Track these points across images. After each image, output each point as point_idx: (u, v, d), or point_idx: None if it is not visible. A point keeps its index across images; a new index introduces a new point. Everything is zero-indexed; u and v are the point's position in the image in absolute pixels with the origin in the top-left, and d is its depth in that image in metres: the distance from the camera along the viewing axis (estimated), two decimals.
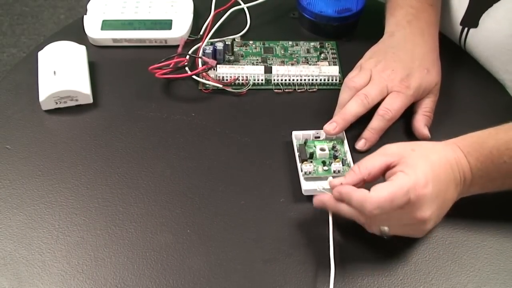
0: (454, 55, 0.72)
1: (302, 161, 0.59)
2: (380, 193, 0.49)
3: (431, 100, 0.64)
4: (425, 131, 0.63)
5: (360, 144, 0.62)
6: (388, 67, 0.64)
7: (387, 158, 0.52)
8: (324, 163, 0.59)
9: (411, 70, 0.63)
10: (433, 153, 0.52)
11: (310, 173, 0.58)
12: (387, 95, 0.63)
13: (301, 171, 0.58)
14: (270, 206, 0.58)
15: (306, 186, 0.58)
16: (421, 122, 0.63)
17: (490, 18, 0.67)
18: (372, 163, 0.52)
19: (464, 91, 0.70)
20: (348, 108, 0.62)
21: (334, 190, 0.53)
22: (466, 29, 0.71)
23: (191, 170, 0.60)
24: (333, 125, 0.61)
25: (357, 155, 0.61)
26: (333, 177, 0.56)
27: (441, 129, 0.64)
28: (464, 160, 0.53)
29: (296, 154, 0.60)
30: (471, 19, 0.69)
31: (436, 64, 0.66)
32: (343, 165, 0.59)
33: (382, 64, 0.64)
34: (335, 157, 0.60)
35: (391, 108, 0.62)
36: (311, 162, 0.59)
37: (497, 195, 0.55)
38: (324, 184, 0.56)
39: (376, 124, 0.62)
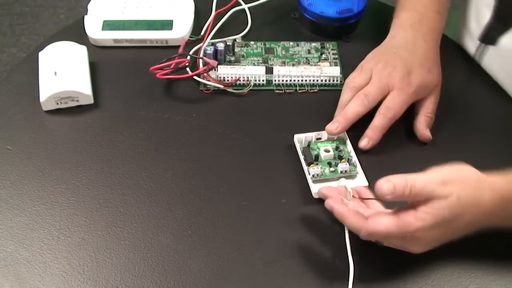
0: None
1: (308, 164, 0.59)
2: (377, 226, 0.49)
3: (433, 101, 0.64)
4: (426, 133, 0.63)
5: (363, 143, 0.62)
6: (389, 65, 0.64)
7: (433, 194, 0.48)
8: (330, 164, 0.59)
9: (412, 68, 0.63)
10: (474, 207, 0.49)
11: (318, 175, 0.58)
12: (388, 93, 0.62)
13: (309, 174, 0.58)
14: (271, 207, 0.58)
15: (316, 189, 0.57)
16: (422, 124, 0.63)
17: (510, 38, 0.67)
18: (427, 194, 0.48)
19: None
20: (349, 108, 0.62)
21: (326, 203, 0.53)
22: (483, 45, 0.71)
23: (192, 171, 0.60)
24: (335, 125, 0.61)
25: (362, 153, 0.61)
26: (340, 177, 0.57)
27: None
28: (497, 217, 0.51)
29: (301, 157, 0.60)
30: (491, 36, 0.69)
31: (437, 66, 0.66)
32: (349, 165, 0.59)
33: (382, 63, 0.64)
34: (340, 158, 0.60)
35: (393, 106, 0.62)
36: (317, 164, 0.59)
37: None
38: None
39: (378, 122, 0.62)
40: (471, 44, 0.73)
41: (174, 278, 0.52)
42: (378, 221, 0.49)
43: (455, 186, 0.48)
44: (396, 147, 0.63)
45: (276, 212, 0.57)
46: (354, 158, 0.60)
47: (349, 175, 0.59)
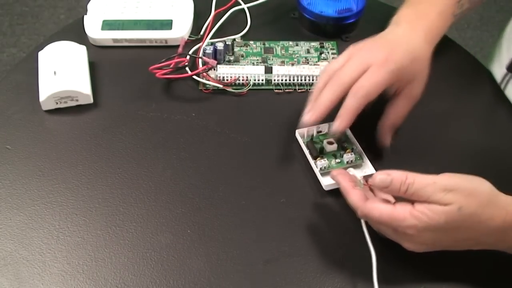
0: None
1: (314, 158, 0.59)
2: (372, 210, 0.49)
3: (406, 103, 0.59)
4: (386, 140, 0.60)
5: (336, 124, 0.56)
6: (369, 45, 0.59)
7: (431, 198, 0.47)
8: (335, 156, 0.59)
9: (396, 50, 0.58)
10: (478, 223, 0.47)
11: (325, 168, 0.58)
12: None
13: (317, 167, 0.58)
14: (270, 206, 0.58)
15: (326, 181, 0.58)
16: (386, 129, 0.60)
17: None
18: (424, 197, 0.47)
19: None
20: (322, 95, 0.56)
21: (335, 178, 0.54)
22: (509, 74, 0.70)
23: (191, 170, 0.60)
24: (309, 115, 0.57)
25: (365, 146, 0.61)
26: (346, 168, 0.58)
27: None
28: (510, 242, 0.50)
29: (306, 151, 0.60)
30: None
31: (424, 62, 0.60)
32: (354, 154, 0.59)
33: (363, 45, 0.59)
34: (344, 148, 0.60)
35: (365, 83, 0.55)
36: (323, 157, 0.59)
37: None
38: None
39: (348, 102, 0.55)
40: (499, 72, 0.72)
41: (173, 277, 0.52)
42: (374, 206, 0.49)
43: (459, 197, 0.47)
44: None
45: (275, 211, 0.57)
46: (358, 148, 0.60)
47: (356, 165, 0.59)
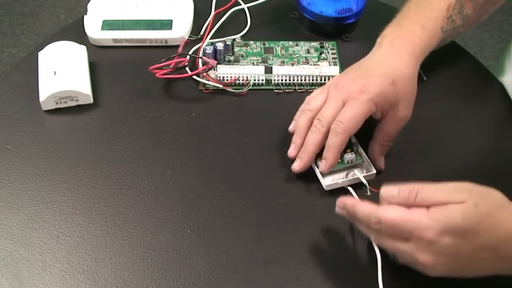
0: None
1: (314, 158, 0.59)
2: (386, 213, 0.47)
3: (393, 125, 0.59)
4: (379, 163, 0.60)
5: (322, 166, 0.57)
6: (344, 77, 0.59)
7: (444, 198, 0.46)
8: None
9: (371, 77, 0.57)
10: (494, 224, 0.45)
11: None
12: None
13: (317, 167, 0.58)
14: (270, 206, 0.58)
15: (326, 181, 0.58)
16: (376, 153, 0.60)
17: None
18: (436, 199, 0.46)
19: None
20: (308, 140, 0.58)
21: (337, 200, 0.51)
22: None
23: (191, 170, 0.60)
24: (297, 162, 0.58)
25: (366, 144, 0.61)
26: (346, 168, 0.58)
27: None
28: None
29: None
30: None
31: (407, 80, 0.59)
32: (354, 154, 0.59)
33: (338, 78, 0.60)
34: (345, 148, 0.59)
35: (343, 119, 0.56)
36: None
37: None
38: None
39: (330, 141, 0.56)
40: (511, 86, 0.72)
41: (173, 277, 0.52)
42: (388, 209, 0.47)
43: (472, 196, 0.45)
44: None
45: (275, 211, 0.57)
46: (359, 148, 0.60)
47: (356, 165, 0.59)
